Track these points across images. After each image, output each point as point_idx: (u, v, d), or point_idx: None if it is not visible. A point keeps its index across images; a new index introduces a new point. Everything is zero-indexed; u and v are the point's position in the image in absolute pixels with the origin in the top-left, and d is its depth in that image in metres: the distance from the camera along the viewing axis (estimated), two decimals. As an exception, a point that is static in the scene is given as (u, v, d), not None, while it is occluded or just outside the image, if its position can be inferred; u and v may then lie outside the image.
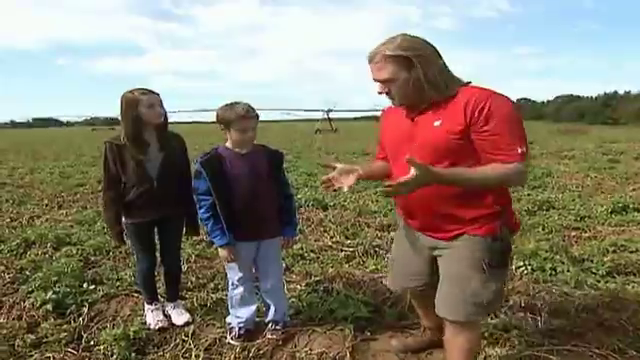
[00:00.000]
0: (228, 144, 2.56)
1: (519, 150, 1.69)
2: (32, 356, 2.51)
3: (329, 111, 36.96)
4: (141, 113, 2.60)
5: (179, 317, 2.95)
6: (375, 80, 1.86)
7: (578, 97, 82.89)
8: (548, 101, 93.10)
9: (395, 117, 2.01)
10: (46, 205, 6.87)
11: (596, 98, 74.86)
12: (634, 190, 7.01)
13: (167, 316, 2.97)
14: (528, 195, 6.60)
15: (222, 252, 2.60)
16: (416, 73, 1.76)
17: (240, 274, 2.69)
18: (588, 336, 2.63)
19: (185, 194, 2.78)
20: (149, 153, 2.70)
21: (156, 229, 2.93)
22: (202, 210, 2.56)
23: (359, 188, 7.70)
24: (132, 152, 2.66)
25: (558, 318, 2.86)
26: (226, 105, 2.47)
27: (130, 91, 2.64)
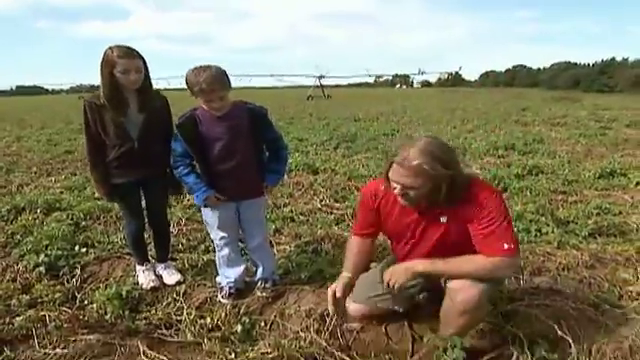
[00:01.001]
0: (206, 106, 2.52)
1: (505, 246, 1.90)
2: (28, 315, 2.59)
3: (321, 77, 36.54)
4: (116, 76, 2.56)
5: (170, 277, 3.04)
6: (396, 182, 1.95)
7: (575, 64, 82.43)
8: (544, 68, 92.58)
9: (395, 205, 2.13)
10: (34, 173, 6.87)
11: (593, 65, 74.48)
12: (622, 156, 7.13)
13: (159, 276, 3.07)
14: (518, 160, 6.73)
15: (205, 211, 2.70)
16: (441, 186, 1.90)
17: (222, 234, 2.76)
18: (567, 292, 2.76)
19: (168, 154, 2.78)
20: (129, 114, 2.68)
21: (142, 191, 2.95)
22: (179, 169, 2.62)
23: (350, 153, 7.80)
24: (111, 113, 2.63)
25: (540, 276, 3.00)
26: (194, 70, 2.39)
27: (111, 48, 2.56)
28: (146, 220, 3.06)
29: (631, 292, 2.72)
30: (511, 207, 4.19)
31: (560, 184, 5.32)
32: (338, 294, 2.15)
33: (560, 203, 4.61)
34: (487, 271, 1.92)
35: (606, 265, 3.11)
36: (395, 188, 1.97)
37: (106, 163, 2.75)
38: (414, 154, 1.84)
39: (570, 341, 2.21)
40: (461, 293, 1.94)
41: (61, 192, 5.42)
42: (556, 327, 2.33)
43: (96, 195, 5.09)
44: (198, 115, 2.54)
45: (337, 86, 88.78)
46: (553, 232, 3.62)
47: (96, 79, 2.65)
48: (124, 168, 2.76)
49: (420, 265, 2.02)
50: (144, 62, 2.64)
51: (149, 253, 3.20)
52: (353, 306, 2.43)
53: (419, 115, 15.52)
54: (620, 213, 4.21)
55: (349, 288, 2.22)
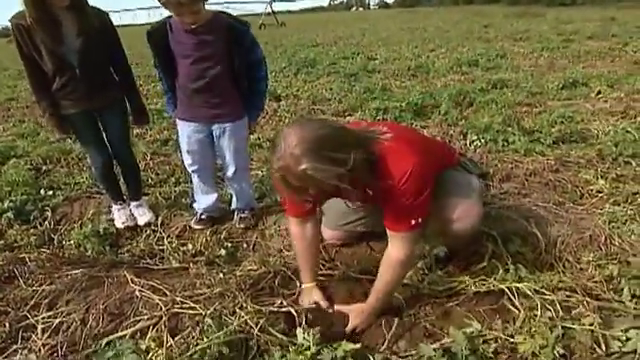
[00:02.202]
0: (176, 18, 2.35)
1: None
2: (6, 257, 2.61)
3: (272, 2, 34.85)
4: None
5: (141, 217, 3.01)
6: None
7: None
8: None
9: None
10: (-22, 124, 6.56)
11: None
12: (584, 67, 7.37)
13: (133, 216, 3.06)
14: (482, 76, 6.89)
15: (179, 132, 2.70)
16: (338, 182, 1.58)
17: (191, 160, 2.73)
18: (534, 195, 2.98)
19: (122, 78, 2.71)
20: (64, 37, 2.44)
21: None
22: (161, 82, 2.63)
23: (311, 78, 7.78)
24: (41, 37, 2.39)
25: (508, 182, 3.21)
26: None
27: None
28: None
29: (592, 190, 2.97)
30: (478, 119, 4.37)
31: (524, 96, 5.52)
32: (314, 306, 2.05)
33: (525, 114, 4.81)
34: (409, 263, 1.92)
35: (570, 168, 3.35)
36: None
37: (52, 93, 2.58)
38: (291, 160, 1.51)
39: (539, 235, 2.44)
40: (459, 223, 1.99)
41: (13, 140, 5.23)
42: (526, 224, 2.56)
43: (52, 139, 4.98)
44: (170, 24, 2.39)
45: (289, 12, 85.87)
46: (520, 141, 3.82)
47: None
48: (71, 98, 2.59)
49: (372, 309, 1.91)
50: None
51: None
52: (328, 233, 2.51)
53: (378, 37, 15.34)
54: (582, 121, 4.44)
55: (319, 294, 2.08)
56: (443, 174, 2.03)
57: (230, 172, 2.78)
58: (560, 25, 15.24)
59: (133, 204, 3.11)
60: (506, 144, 3.85)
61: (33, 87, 2.60)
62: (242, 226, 2.86)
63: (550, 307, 1.86)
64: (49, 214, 3.16)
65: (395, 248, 1.83)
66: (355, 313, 1.93)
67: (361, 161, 1.59)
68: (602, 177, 3.09)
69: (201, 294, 2.12)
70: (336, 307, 2.01)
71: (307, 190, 1.60)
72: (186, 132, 2.64)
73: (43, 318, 2.06)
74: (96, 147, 2.84)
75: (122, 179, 3.15)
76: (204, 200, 2.89)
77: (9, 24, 2.44)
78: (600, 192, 2.92)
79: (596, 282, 2.04)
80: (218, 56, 2.41)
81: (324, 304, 2.03)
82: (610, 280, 2.05)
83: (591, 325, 1.74)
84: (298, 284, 2.18)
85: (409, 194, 1.72)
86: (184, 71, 2.45)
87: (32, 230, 2.96)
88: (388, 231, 1.85)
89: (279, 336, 1.79)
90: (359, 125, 1.98)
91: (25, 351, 1.91)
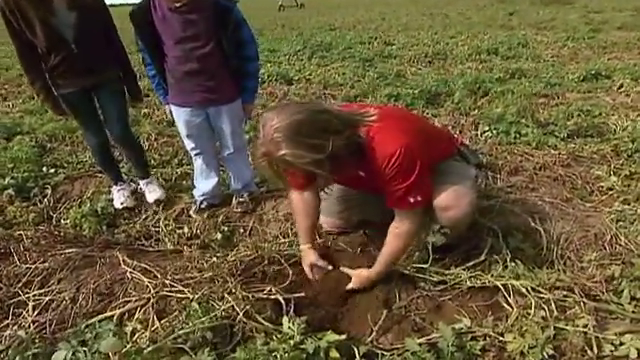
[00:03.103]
0: None
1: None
2: (3, 234, 2.66)
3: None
4: None
5: (150, 194, 3.04)
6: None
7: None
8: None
9: None
10: (-12, 99, 6.67)
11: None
12: (609, 59, 7.18)
13: (134, 194, 3.10)
14: (500, 64, 6.77)
15: (175, 118, 2.69)
16: (324, 162, 1.62)
17: (191, 144, 2.74)
18: (542, 190, 2.93)
19: (117, 55, 2.70)
20: (57, 13, 2.43)
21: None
22: (147, 67, 2.57)
23: (325, 62, 7.72)
24: (32, 11, 2.37)
25: (517, 175, 3.16)
26: None
27: None
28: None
29: (602, 187, 2.91)
30: (491, 110, 4.30)
31: (542, 87, 5.40)
32: (309, 273, 2.15)
33: (541, 106, 4.72)
34: (410, 238, 1.99)
35: (582, 163, 3.28)
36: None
37: (45, 72, 2.58)
38: (271, 144, 1.57)
39: (542, 232, 2.40)
40: (451, 211, 1.98)
41: (21, 116, 5.31)
42: (530, 220, 2.52)
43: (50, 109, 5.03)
44: (154, 3, 2.34)
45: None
46: (532, 133, 3.74)
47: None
48: (67, 77, 2.59)
49: (374, 272, 2.02)
50: None
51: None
52: (326, 220, 2.53)
53: (398, 22, 15.14)
54: (600, 114, 4.33)
55: (315, 255, 2.15)
56: (440, 164, 2.04)
57: (227, 153, 2.79)
58: (589, 14, 14.85)
59: (142, 182, 3.13)
60: (518, 136, 3.78)
61: (25, 67, 2.59)
62: (239, 210, 2.87)
63: (545, 306, 1.84)
64: (49, 192, 3.21)
65: (400, 221, 1.94)
66: (357, 277, 2.03)
67: (343, 146, 1.62)
68: (614, 174, 3.03)
69: (191, 278, 2.13)
70: (341, 268, 2.12)
71: (295, 172, 1.68)
72: (182, 117, 2.63)
73: (34, 295, 2.11)
74: (92, 127, 2.86)
75: (125, 159, 3.16)
76: (204, 185, 2.90)
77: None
78: (611, 189, 2.86)
79: (596, 282, 2.01)
80: (205, 35, 2.37)
81: (322, 264, 2.13)
82: (611, 281, 2.02)
83: (585, 327, 1.72)
84: (290, 272, 2.19)
85: (398, 175, 1.78)
86: (172, 53, 2.42)
87: (32, 207, 3.02)
88: (395, 210, 1.95)
89: (265, 323, 1.79)
90: (350, 107, 1.97)
91: (15, 327, 1.95)
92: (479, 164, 2.41)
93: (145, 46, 2.46)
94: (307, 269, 2.15)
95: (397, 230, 1.95)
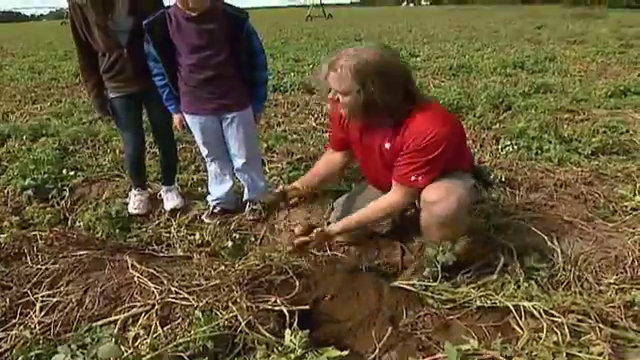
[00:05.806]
0: (179, 3, 2.37)
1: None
2: (18, 234, 2.68)
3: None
4: None
5: (168, 202, 3.06)
6: (330, 87, 1.99)
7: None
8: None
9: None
10: (19, 101, 6.82)
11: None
12: (639, 75, 6.99)
13: (149, 201, 3.12)
14: (526, 78, 6.64)
15: (190, 125, 2.70)
16: (374, 100, 1.89)
17: (206, 150, 2.77)
18: (562, 208, 2.84)
19: None
20: (116, 17, 2.53)
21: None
22: (156, 78, 2.58)
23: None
24: (94, 15, 2.49)
25: (536, 192, 3.07)
26: None
27: None
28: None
29: (626, 207, 2.79)
30: (513, 124, 4.21)
31: (568, 102, 5.28)
32: (296, 239, 2.21)
33: (566, 121, 4.60)
34: (389, 210, 2.14)
35: (605, 182, 3.17)
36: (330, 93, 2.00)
37: (99, 73, 2.68)
38: (344, 57, 1.89)
39: (559, 251, 2.32)
40: (437, 205, 1.98)
41: (47, 119, 5.44)
42: (546, 238, 2.43)
43: (84, 120, 5.13)
44: (169, 14, 2.41)
45: (339, 5, 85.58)
46: (555, 149, 3.65)
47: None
48: (117, 80, 2.67)
49: (335, 227, 2.19)
50: None
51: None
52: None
53: (425, 34, 15.08)
54: (627, 132, 4.21)
55: (285, 194, 2.40)
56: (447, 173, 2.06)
57: (239, 164, 2.79)
58: (621, 28, 14.54)
59: (164, 188, 3.14)
60: (540, 152, 3.69)
61: (82, 66, 2.74)
62: (252, 218, 2.86)
63: (558, 330, 1.76)
64: (67, 194, 3.25)
65: (390, 194, 2.09)
66: (317, 233, 2.14)
67: (386, 102, 1.88)
68: (639, 193, 2.91)
69: (197, 285, 2.11)
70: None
71: (341, 94, 1.92)
72: (198, 125, 2.67)
73: (42, 296, 2.11)
74: (132, 132, 2.92)
75: (159, 162, 3.22)
76: (218, 190, 2.90)
77: (64, 6, 2.57)
78: (635, 210, 2.75)
79: (614, 307, 1.91)
80: (219, 44, 2.45)
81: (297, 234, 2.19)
82: (630, 306, 1.92)
83: (600, 354, 1.63)
84: (298, 283, 2.15)
85: (418, 152, 1.93)
86: (187, 62, 2.47)
87: (49, 208, 3.07)
88: (392, 181, 2.07)
89: (267, 335, 1.76)
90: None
91: (21, 327, 1.96)
92: (488, 182, 2.43)
93: (160, 56, 2.49)
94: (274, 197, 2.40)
95: (382, 198, 2.10)
